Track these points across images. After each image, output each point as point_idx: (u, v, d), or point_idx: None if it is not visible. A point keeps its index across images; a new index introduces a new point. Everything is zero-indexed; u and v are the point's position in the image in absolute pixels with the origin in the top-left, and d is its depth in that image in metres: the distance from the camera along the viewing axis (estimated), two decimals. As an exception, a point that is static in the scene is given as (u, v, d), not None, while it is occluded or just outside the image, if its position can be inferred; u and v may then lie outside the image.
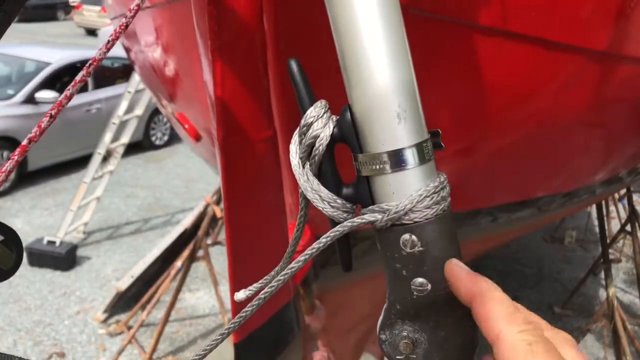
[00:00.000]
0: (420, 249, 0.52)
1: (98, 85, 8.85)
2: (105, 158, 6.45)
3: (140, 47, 2.63)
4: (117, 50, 9.50)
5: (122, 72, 9.16)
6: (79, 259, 6.10)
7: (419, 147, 0.53)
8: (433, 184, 0.53)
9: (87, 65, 0.85)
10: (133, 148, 8.46)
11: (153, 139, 9.80)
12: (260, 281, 0.65)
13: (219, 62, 1.09)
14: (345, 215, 0.56)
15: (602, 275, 5.05)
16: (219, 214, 5.44)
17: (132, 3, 1.90)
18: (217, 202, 5.61)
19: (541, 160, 2.20)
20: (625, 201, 5.90)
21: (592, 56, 1.75)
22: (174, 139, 9.89)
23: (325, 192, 0.55)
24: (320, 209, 0.55)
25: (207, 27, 1.06)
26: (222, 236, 6.03)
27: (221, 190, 1.36)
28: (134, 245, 6.47)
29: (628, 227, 5.26)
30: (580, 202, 3.10)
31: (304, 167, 0.57)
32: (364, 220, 0.53)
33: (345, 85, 0.56)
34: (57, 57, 8.67)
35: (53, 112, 0.82)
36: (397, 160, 0.52)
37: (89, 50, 9.86)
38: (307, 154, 0.56)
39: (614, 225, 6.70)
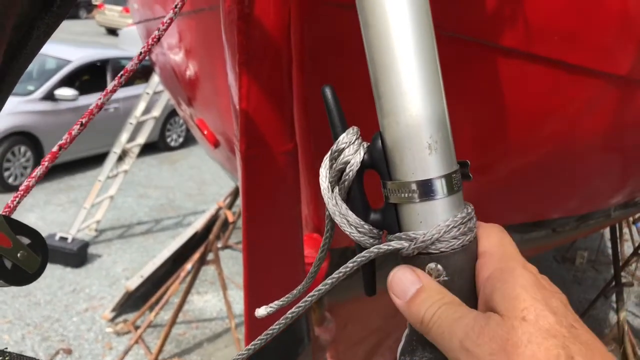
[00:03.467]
0: (445, 278, 0.53)
1: (116, 84, 8.95)
2: (121, 157, 6.51)
3: (162, 50, 2.66)
4: (135, 51, 9.60)
5: (141, 73, 9.24)
6: (89, 256, 6.15)
7: (448, 178, 0.54)
8: (460, 214, 0.54)
9: (119, 75, 0.87)
10: (148, 148, 8.52)
11: (168, 140, 9.88)
12: (282, 299, 0.66)
13: (245, 75, 1.11)
14: (371, 240, 0.56)
15: (613, 298, 5.01)
16: (230, 218, 5.47)
17: (159, 9, 1.93)
18: (229, 206, 5.64)
19: (558, 182, 2.19)
20: (639, 225, 5.85)
21: (613, 81, 1.75)
22: (189, 140, 9.96)
23: (353, 217, 0.56)
24: (348, 233, 0.56)
25: (235, 41, 1.08)
26: (233, 240, 6.06)
27: (240, 199, 1.37)
28: (145, 246, 6.51)
29: (641, 251, 5.22)
30: (595, 224, 3.08)
31: (332, 191, 0.58)
32: (390, 247, 0.54)
33: (377, 112, 0.57)
34: (77, 56, 8.78)
35: (84, 121, 0.84)
36: (426, 190, 0.53)
37: (109, 50, 10.00)
38: (337, 178, 0.57)
39: (627, 248, 6.64)
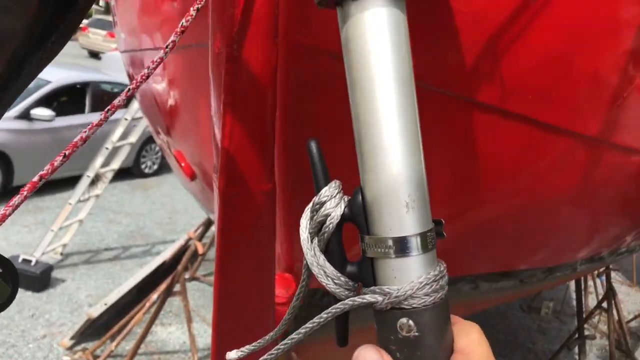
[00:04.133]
0: (416, 334, 0.55)
1: (95, 108, 8.89)
2: (94, 182, 6.43)
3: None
4: (117, 76, 9.58)
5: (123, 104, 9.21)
6: (53, 280, 5.99)
7: (423, 236, 0.56)
8: (433, 272, 0.56)
9: (106, 110, 0.88)
10: (121, 174, 8.43)
11: (143, 166, 9.80)
12: (254, 344, 0.66)
13: (229, 115, 1.13)
14: (347, 292, 0.58)
15: (576, 349, 5.05)
16: (200, 249, 5.41)
17: (146, 41, 1.95)
18: (200, 238, 5.59)
19: (527, 234, 2.24)
20: (604, 277, 5.96)
21: (583, 140, 1.82)
22: (163, 168, 9.89)
23: (330, 269, 0.58)
24: (324, 284, 0.58)
25: (222, 82, 1.10)
26: (201, 272, 5.99)
27: (211, 231, 1.38)
28: (111, 272, 6.38)
29: (604, 304, 5.31)
30: (562, 277, 3.14)
31: (312, 242, 0.59)
32: (365, 301, 0.56)
33: (359, 167, 0.59)
34: (57, 76, 8.72)
35: (67, 152, 0.85)
36: (401, 246, 0.55)
37: (90, 73, 9.94)
38: (317, 230, 0.59)
39: (591, 300, 6.74)
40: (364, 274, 0.58)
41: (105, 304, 5.18)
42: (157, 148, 9.54)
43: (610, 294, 5.30)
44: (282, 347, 0.57)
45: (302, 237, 0.59)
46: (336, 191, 0.59)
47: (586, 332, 5.17)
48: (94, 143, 7.14)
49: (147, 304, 4.82)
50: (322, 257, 0.58)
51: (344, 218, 0.58)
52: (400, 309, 0.55)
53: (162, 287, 4.83)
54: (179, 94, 2.29)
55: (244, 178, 1.23)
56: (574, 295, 6.19)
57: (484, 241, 2.16)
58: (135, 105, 6.24)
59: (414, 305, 0.55)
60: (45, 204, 7.90)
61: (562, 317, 6.94)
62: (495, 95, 1.57)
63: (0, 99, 0.67)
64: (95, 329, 5.19)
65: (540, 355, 6.08)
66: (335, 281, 0.58)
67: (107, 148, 6.39)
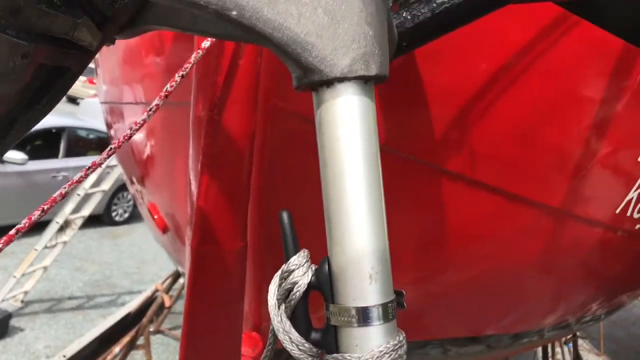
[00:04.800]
0: (376, 403, 0.57)
1: (69, 153, 8.83)
2: (62, 228, 6.32)
3: (123, 127, 2.70)
4: (94, 122, 9.58)
5: (96, 145, 9.19)
6: (10, 329, 5.77)
7: (385, 307, 0.59)
8: (393, 342, 0.59)
9: (87, 168, 0.90)
10: (91, 221, 8.29)
11: (114, 214, 9.66)
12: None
13: (206, 175, 1.17)
14: (310, 359, 0.60)
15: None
16: (167, 302, 5.31)
17: (127, 95, 1.99)
18: (167, 290, 5.49)
19: (493, 299, 2.27)
20: (571, 345, 5.99)
21: (547, 211, 1.89)
22: (134, 217, 9.76)
23: (295, 335, 0.60)
24: (289, 350, 0.60)
25: (201, 144, 1.14)
26: (166, 325, 5.84)
27: (180, 284, 1.38)
28: (73, 322, 6.18)
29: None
30: (529, 343, 3.16)
31: (279, 308, 0.62)
32: (327, 368, 0.58)
33: (327, 238, 0.62)
34: (33, 120, 8.68)
35: (45, 207, 0.86)
36: (364, 316, 0.58)
37: (67, 118, 9.91)
38: (285, 296, 0.62)
39: (559, 368, 6.73)
40: (328, 341, 0.61)
41: (64, 356, 4.99)
42: (130, 196, 9.46)
43: (577, 361, 5.31)
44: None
45: (270, 303, 0.61)
46: (304, 260, 0.62)
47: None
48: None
49: (109, 357, 4.67)
50: (288, 324, 0.61)
51: (310, 286, 0.61)
52: None
53: (126, 339, 4.70)
54: (156, 146, 2.32)
55: (217, 237, 1.25)
56: (541, 362, 6.18)
57: (451, 305, 2.18)
58: (111, 153, 6.23)
59: None
60: (10, 249, 7.59)
61: (529, 384, 6.89)
62: (463, 164, 1.64)
63: None
64: (51, 382, 4.99)
65: (507, 423, 6.00)
66: (300, 347, 0.60)
67: (78, 194, 6.31)
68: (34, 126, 0.72)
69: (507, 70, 1.50)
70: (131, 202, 9.72)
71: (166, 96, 0.95)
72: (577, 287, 2.62)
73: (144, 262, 8.24)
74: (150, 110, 0.95)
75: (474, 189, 1.70)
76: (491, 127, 1.62)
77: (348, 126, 0.60)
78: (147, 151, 2.37)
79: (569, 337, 5.83)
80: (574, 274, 2.38)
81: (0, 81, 0.57)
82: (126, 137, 0.93)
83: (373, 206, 0.60)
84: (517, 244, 1.95)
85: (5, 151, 0.72)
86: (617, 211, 2.03)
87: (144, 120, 0.94)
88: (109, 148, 0.92)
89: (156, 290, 5.51)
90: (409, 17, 0.98)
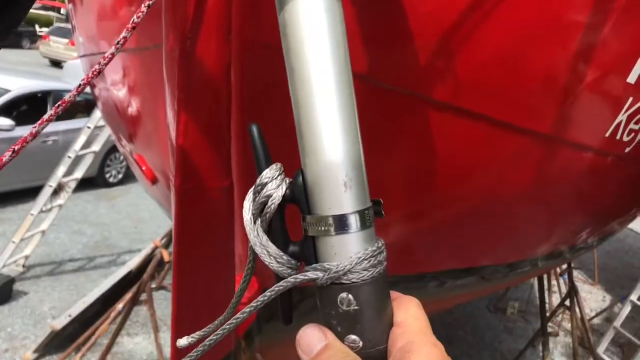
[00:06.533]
0: (355, 307, 0.57)
1: (57, 117, 8.69)
2: (56, 191, 6.30)
3: (105, 85, 2.65)
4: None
5: (84, 107, 9.06)
6: (14, 293, 5.84)
7: (362, 214, 0.58)
8: (371, 248, 0.58)
9: (56, 105, 0.88)
10: (85, 184, 8.27)
11: (107, 176, 9.64)
12: (204, 329, 0.67)
13: (183, 112, 1.14)
14: (289, 271, 0.60)
15: (541, 347, 5.16)
16: (166, 257, 5.36)
17: (104, 44, 1.94)
18: (166, 246, 5.53)
19: (486, 230, 2.29)
20: (566, 276, 6.11)
21: (537, 138, 1.87)
22: (128, 177, 9.74)
23: (273, 248, 0.60)
24: (267, 263, 0.59)
25: (175, 79, 1.11)
26: (168, 281, 5.91)
27: (172, 234, 1.38)
28: (75, 284, 6.25)
29: (567, 302, 5.44)
30: (523, 274, 3.21)
31: (255, 222, 0.61)
32: (306, 277, 0.58)
33: (300, 151, 0.61)
34: (17, 85, 8.54)
35: (16, 148, 0.84)
36: (340, 224, 0.57)
37: (52, 82, 9.75)
38: (260, 211, 0.61)
39: (555, 299, 6.89)
40: (306, 253, 0.60)
41: (70, 316, 5.07)
42: (122, 157, 9.41)
43: (572, 292, 5.43)
44: (227, 326, 0.58)
45: (245, 218, 0.60)
46: (277, 173, 0.61)
47: (550, 330, 5.28)
48: (57, 152, 7.02)
49: (113, 314, 4.74)
50: (264, 237, 0.60)
51: (285, 199, 0.60)
52: (340, 284, 0.57)
53: (128, 296, 4.76)
54: (138, 98, 2.28)
55: (200, 175, 1.23)
56: (538, 295, 6.32)
57: (445, 238, 2.20)
58: (97, 113, 6.15)
59: (353, 280, 0.57)
60: (7, 216, 7.69)
61: (527, 317, 7.07)
62: (448, 92, 1.61)
63: None
64: (59, 342, 5.07)
65: (506, 354, 6.18)
66: (278, 260, 0.59)
67: (69, 157, 6.27)
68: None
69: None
70: (124, 163, 9.70)
71: (133, 27, 0.91)
72: (567, 215, 2.64)
73: (141, 221, 8.27)
74: (117, 43, 0.91)
75: (461, 118, 1.68)
76: (475, 53, 1.58)
77: (314, 24, 0.58)
78: (130, 104, 2.33)
79: (564, 268, 5.94)
80: (565, 201, 2.39)
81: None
82: (95, 73, 0.90)
83: (344, 110, 0.59)
84: (507, 173, 1.95)
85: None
86: (607, 134, 2.02)
87: (112, 54, 0.91)
88: (77, 84, 0.89)
89: (155, 247, 5.55)
90: None
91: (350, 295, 0.57)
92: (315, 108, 0.58)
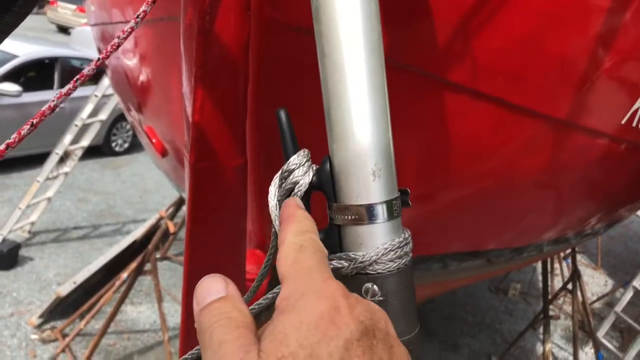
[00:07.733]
0: (380, 298, 0.56)
1: (64, 84, 8.68)
2: (62, 159, 6.31)
3: (116, 54, 2.63)
4: (87, 52, 9.37)
5: (92, 75, 9.01)
6: (20, 259, 5.90)
7: (389, 204, 0.57)
8: (398, 239, 0.57)
9: (75, 79, 0.87)
10: (91, 152, 8.28)
11: (113, 144, 9.64)
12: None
13: (200, 89, 1.13)
14: None
15: (541, 330, 5.20)
16: (171, 228, 5.38)
17: (117, 14, 1.91)
18: (171, 217, 5.55)
19: (494, 214, 2.28)
20: (570, 260, 6.12)
21: (551, 123, 1.85)
22: (134, 147, 9.75)
23: (298, 236, 0.59)
24: (291, 250, 0.59)
25: (193, 55, 1.09)
26: (172, 251, 5.96)
27: (184, 210, 1.37)
28: (80, 251, 6.31)
29: (569, 286, 5.45)
30: (528, 258, 3.21)
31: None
32: (331, 267, 0.57)
33: (327, 136, 0.60)
34: (25, 51, 8.50)
35: (35, 121, 0.83)
36: (368, 214, 0.56)
37: (59, 48, 9.69)
38: (286, 197, 0.60)
39: (557, 283, 6.92)
40: (331, 241, 0.59)
41: (75, 283, 5.13)
42: (129, 126, 9.39)
43: (575, 276, 5.44)
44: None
45: (270, 204, 0.59)
46: (305, 159, 0.60)
47: (551, 313, 5.31)
48: (63, 120, 7.00)
49: (117, 283, 4.79)
50: (290, 225, 0.59)
51: (312, 186, 0.59)
52: (365, 274, 0.57)
53: (133, 265, 4.80)
54: (150, 69, 2.26)
55: (215, 153, 1.22)
56: (540, 277, 6.35)
57: (453, 220, 2.19)
58: (105, 81, 6.12)
59: (379, 271, 0.56)
60: (13, 182, 7.73)
61: (528, 299, 7.11)
62: (465, 75, 1.59)
63: None
64: (64, 308, 5.14)
65: (506, 336, 6.23)
66: (303, 248, 0.59)
67: (76, 125, 6.27)
68: (11, 31, 0.67)
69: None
70: (130, 132, 9.69)
71: (153, 1, 0.89)
72: (577, 201, 2.63)
73: (147, 191, 8.30)
74: (137, 17, 0.90)
75: (477, 100, 1.66)
76: (493, 36, 1.56)
77: (348, 8, 0.56)
78: (141, 74, 2.31)
79: (567, 252, 5.94)
80: (576, 187, 2.38)
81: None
82: (114, 47, 0.88)
83: (376, 97, 0.57)
84: (519, 157, 1.93)
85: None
86: (623, 122, 2.00)
87: (132, 28, 0.90)
88: (97, 59, 0.87)
89: (160, 218, 5.57)
90: None
91: (375, 286, 0.56)
92: (347, 94, 0.57)
